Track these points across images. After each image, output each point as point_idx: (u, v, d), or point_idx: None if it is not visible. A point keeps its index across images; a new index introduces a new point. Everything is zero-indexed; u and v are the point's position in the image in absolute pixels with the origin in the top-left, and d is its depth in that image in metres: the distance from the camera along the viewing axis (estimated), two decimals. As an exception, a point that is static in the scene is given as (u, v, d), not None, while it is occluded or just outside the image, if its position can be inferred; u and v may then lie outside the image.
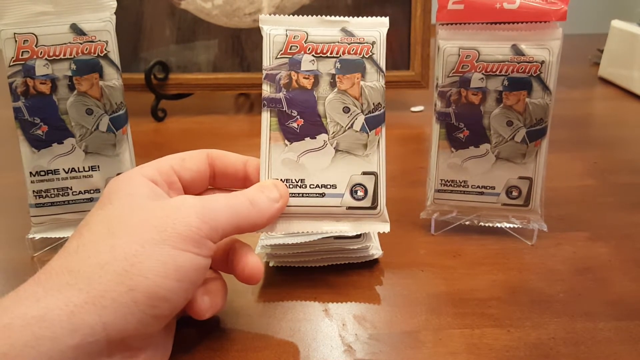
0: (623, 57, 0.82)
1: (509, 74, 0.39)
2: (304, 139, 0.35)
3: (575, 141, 0.63)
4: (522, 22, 0.38)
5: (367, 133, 0.36)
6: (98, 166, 0.40)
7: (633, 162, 0.57)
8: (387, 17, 0.36)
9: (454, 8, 0.39)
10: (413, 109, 0.74)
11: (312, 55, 0.35)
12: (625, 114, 0.74)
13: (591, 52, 0.99)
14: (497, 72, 0.39)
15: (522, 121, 0.40)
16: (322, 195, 0.35)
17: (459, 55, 0.39)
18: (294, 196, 0.35)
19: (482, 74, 0.39)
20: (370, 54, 0.36)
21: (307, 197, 0.35)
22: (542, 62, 0.38)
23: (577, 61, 0.97)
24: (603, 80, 0.87)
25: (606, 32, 0.86)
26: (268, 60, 0.36)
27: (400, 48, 0.70)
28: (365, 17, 0.36)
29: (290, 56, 0.35)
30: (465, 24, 0.39)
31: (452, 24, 0.39)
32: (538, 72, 0.38)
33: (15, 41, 0.37)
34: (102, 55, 0.39)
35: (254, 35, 0.71)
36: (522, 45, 0.38)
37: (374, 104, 0.36)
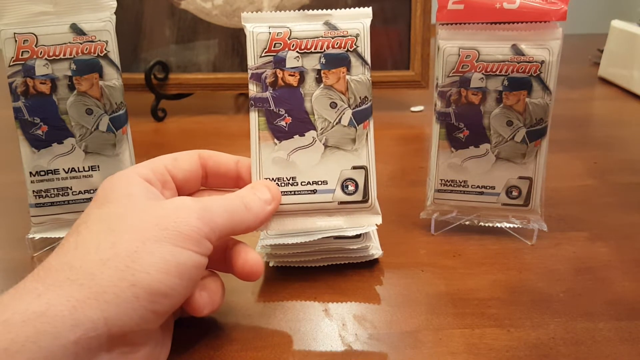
0: (623, 57, 0.82)
1: (509, 74, 0.39)
2: (293, 137, 0.35)
3: (575, 141, 0.63)
4: (522, 22, 0.38)
5: (355, 127, 0.36)
6: (98, 166, 0.40)
7: (633, 162, 0.57)
8: (370, 7, 0.36)
9: (454, 8, 0.39)
10: (413, 109, 0.74)
11: (297, 51, 0.35)
12: (625, 114, 0.74)
13: (591, 52, 0.99)
14: (497, 72, 0.39)
15: (522, 121, 0.40)
16: (314, 191, 0.36)
17: (459, 55, 0.39)
18: (286, 194, 0.35)
19: (482, 74, 0.39)
20: (355, 47, 0.35)
21: (299, 194, 0.35)
22: (542, 62, 0.38)
23: (577, 61, 0.97)
24: (603, 80, 0.87)
25: (606, 32, 0.86)
26: (253, 59, 0.35)
27: (400, 48, 0.70)
28: (348, 9, 0.36)
29: (274, 54, 0.35)
30: (465, 24, 0.39)
31: (452, 24, 0.39)
32: (538, 72, 0.38)
33: (15, 41, 0.37)
34: (102, 55, 0.39)
35: (254, 35, 0.71)
36: (522, 45, 0.38)
37: (360, 97, 0.36)
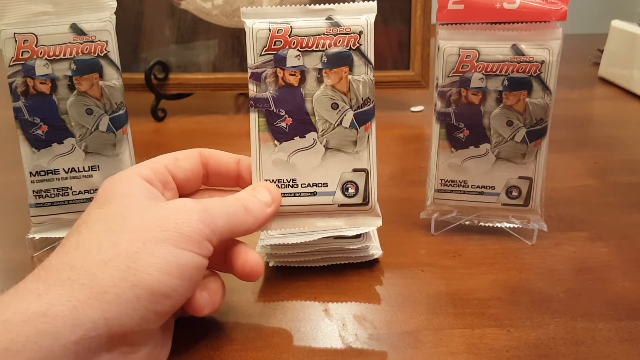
0: (623, 57, 0.82)
1: (509, 74, 0.39)
2: (293, 139, 0.35)
3: (575, 141, 0.63)
4: (522, 22, 0.38)
5: (357, 129, 0.35)
6: (98, 166, 0.40)
7: (633, 162, 0.57)
8: (375, 1, 0.35)
9: (454, 8, 0.39)
10: (413, 109, 0.74)
11: (297, 49, 0.34)
12: (625, 114, 0.74)
13: (591, 52, 0.99)
14: (497, 72, 0.39)
15: (522, 121, 0.40)
16: (314, 194, 0.35)
17: (459, 55, 0.39)
18: (286, 196, 0.35)
19: (482, 74, 0.39)
20: (358, 45, 0.34)
21: (299, 196, 0.35)
22: (542, 62, 0.38)
23: (577, 61, 0.97)
24: (603, 80, 0.87)
25: (606, 32, 0.86)
26: (252, 57, 0.34)
27: (400, 48, 0.70)
28: (351, 3, 0.35)
29: (275, 52, 0.34)
30: (465, 24, 0.39)
31: (452, 24, 0.39)
32: (538, 72, 0.38)
33: (15, 41, 0.37)
34: (102, 55, 0.39)
35: (254, 35, 0.71)
36: (522, 45, 0.38)
37: (362, 99, 0.35)
